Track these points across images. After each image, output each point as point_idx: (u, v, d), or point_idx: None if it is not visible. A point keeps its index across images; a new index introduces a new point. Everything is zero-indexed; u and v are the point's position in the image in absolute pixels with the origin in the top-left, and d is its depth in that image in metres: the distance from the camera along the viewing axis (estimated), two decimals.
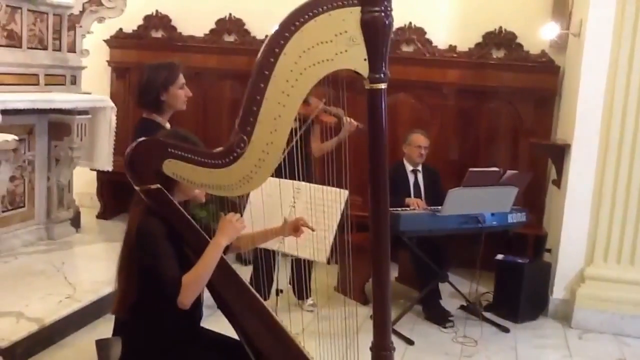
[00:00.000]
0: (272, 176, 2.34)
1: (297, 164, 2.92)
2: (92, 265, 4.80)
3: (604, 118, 4.85)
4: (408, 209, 4.80)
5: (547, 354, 4.53)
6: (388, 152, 2.20)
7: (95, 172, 6.49)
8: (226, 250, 2.55)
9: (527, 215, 4.99)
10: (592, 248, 4.96)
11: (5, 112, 4.23)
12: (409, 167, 5.22)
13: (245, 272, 4.73)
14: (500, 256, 5.19)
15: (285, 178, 3.18)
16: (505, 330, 4.81)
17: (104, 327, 2.87)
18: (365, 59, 2.07)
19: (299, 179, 3.16)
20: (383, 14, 2.04)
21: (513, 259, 5.12)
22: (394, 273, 5.64)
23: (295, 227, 2.87)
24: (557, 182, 5.41)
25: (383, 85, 2.10)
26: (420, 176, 5.24)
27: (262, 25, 6.15)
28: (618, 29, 4.74)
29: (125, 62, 6.85)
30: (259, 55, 2.06)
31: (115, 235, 2.50)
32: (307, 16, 2.02)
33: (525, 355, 4.43)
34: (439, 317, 4.86)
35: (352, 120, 4.59)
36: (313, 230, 2.92)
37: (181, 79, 3.43)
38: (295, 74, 2.06)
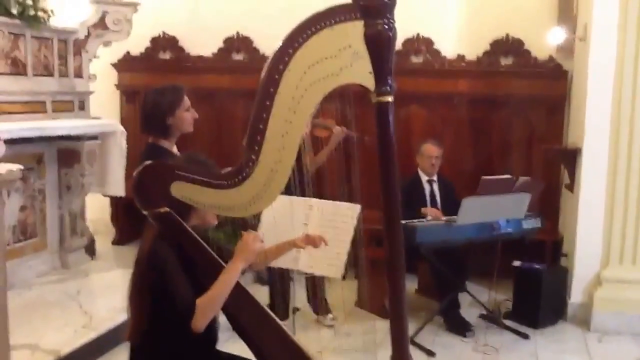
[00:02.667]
0: (282, 194, 2.32)
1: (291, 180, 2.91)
2: (108, 292, 4.77)
3: (613, 121, 4.84)
4: (425, 219, 4.76)
5: (567, 358, 4.49)
6: (398, 164, 2.17)
7: (108, 198, 6.49)
8: None
9: (542, 221, 4.96)
10: (608, 250, 4.94)
11: (13, 141, 4.21)
12: (424, 178, 5.22)
13: (264, 292, 4.73)
14: (517, 263, 5.15)
15: (295, 194, 3.17)
16: (526, 336, 4.78)
17: (122, 355, 2.84)
18: (370, 72, 2.05)
19: (295, 194, 3.14)
20: (386, 26, 2.02)
21: (530, 265, 5.09)
22: (414, 285, 5.62)
23: (309, 240, 2.84)
24: (570, 187, 5.38)
25: (390, 98, 2.07)
26: (435, 186, 5.24)
27: (271, 42, 6.09)
28: (622, 32, 4.74)
29: (134, 85, 6.85)
30: (264, 72, 2.04)
31: (132, 261, 2.48)
32: (310, 32, 2.00)
33: None
34: (459, 327, 4.83)
35: (342, 128, 4.65)
36: (326, 244, 2.89)
37: (186, 101, 3.40)
38: (301, 90, 2.04)
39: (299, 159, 4.63)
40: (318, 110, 4.38)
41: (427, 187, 5.21)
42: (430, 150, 5.17)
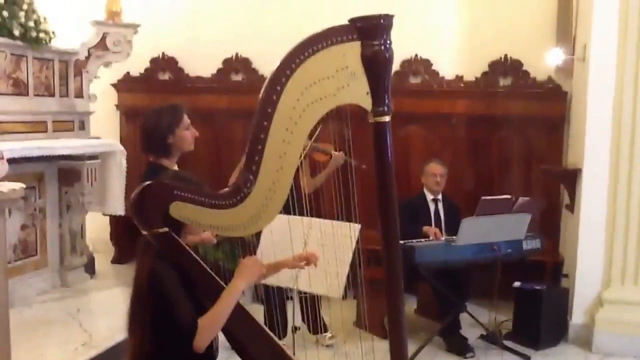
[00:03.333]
0: (281, 213, 2.33)
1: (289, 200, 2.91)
2: (107, 311, 4.76)
3: (613, 141, 4.85)
4: (424, 240, 4.76)
5: None
6: (396, 185, 2.18)
7: (108, 217, 6.50)
8: None
9: (542, 242, 4.96)
10: (609, 271, 4.93)
11: (14, 160, 4.24)
12: (429, 197, 5.25)
13: (261, 311, 4.71)
14: (517, 283, 5.15)
15: (294, 214, 3.18)
16: (526, 357, 4.76)
17: None
18: (367, 93, 2.06)
19: (292, 214, 3.14)
20: (383, 47, 2.03)
21: (531, 286, 5.08)
22: (413, 305, 5.61)
23: (304, 258, 2.85)
24: (571, 207, 5.38)
25: (387, 118, 2.09)
26: (440, 205, 5.26)
27: (270, 63, 6.12)
28: (622, 52, 4.76)
29: (134, 105, 6.88)
30: (262, 93, 2.06)
31: (131, 279, 2.48)
32: (307, 53, 2.01)
33: None
34: (459, 347, 4.82)
35: (341, 154, 4.79)
36: (315, 265, 2.90)
37: (186, 120, 3.41)
38: (299, 110, 2.05)
39: (296, 179, 4.68)
40: (317, 135, 4.45)
41: (432, 206, 5.24)
42: (435, 169, 5.20)
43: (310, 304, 4.67)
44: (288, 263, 2.90)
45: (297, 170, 4.57)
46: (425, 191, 5.26)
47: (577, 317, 5.07)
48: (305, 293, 3.83)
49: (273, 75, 2.04)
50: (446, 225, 5.12)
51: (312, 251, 2.89)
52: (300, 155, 4.58)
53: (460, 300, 4.82)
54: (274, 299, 4.22)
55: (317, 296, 4.47)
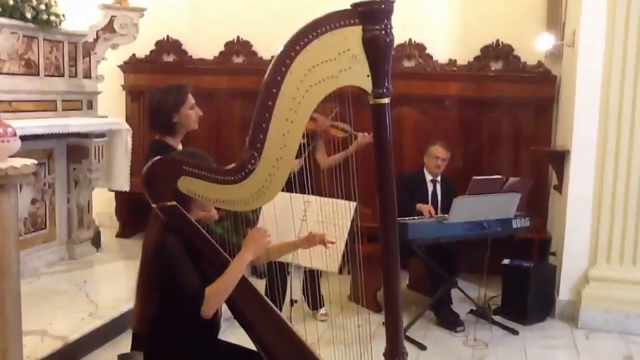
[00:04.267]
0: (282, 190, 2.35)
1: (306, 177, 2.92)
2: (113, 282, 4.80)
3: (601, 123, 4.85)
4: (417, 217, 4.78)
5: (555, 354, 4.50)
6: (394, 164, 2.20)
7: (113, 193, 6.52)
8: None
9: (531, 220, 4.97)
10: (595, 250, 4.95)
11: (25, 137, 4.22)
12: (428, 177, 5.24)
13: (261, 285, 4.74)
14: (506, 260, 5.16)
15: (295, 191, 3.18)
16: (514, 332, 4.79)
17: (126, 343, 2.87)
18: (368, 75, 2.07)
19: (308, 192, 3.15)
20: (383, 32, 2.05)
21: (519, 263, 5.10)
22: (405, 280, 5.64)
23: (310, 240, 2.87)
24: (559, 187, 5.40)
25: (386, 100, 2.11)
26: (438, 187, 5.25)
27: (269, 46, 6.19)
28: (610, 38, 4.75)
29: (139, 85, 6.89)
30: (267, 74, 2.07)
31: (135, 252, 2.50)
32: (311, 36, 2.03)
33: (534, 356, 4.41)
34: (450, 322, 4.85)
35: (366, 134, 4.58)
36: (333, 243, 2.91)
37: (191, 99, 3.40)
38: (302, 91, 2.07)
39: (314, 158, 4.66)
40: (334, 116, 4.41)
41: (430, 186, 5.22)
42: (438, 152, 5.17)
43: (311, 280, 4.70)
44: (291, 246, 2.91)
45: (315, 151, 4.59)
46: (425, 171, 5.24)
47: (564, 293, 5.09)
48: (305, 267, 3.86)
49: (278, 57, 2.05)
50: (442, 206, 5.11)
51: (319, 232, 2.89)
52: (315, 133, 4.62)
53: (451, 276, 4.83)
54: (275, 272, 4.25)
55: (318, 273, 4.50)
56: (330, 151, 4.89)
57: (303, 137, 4.60)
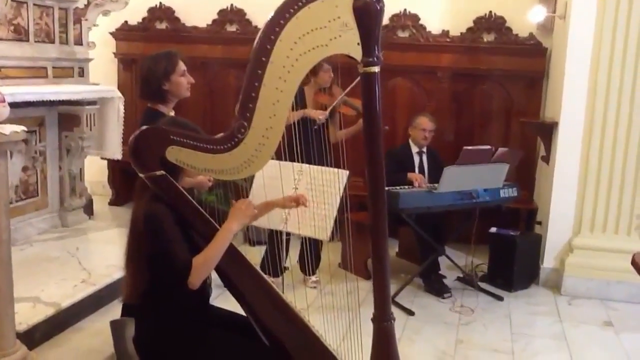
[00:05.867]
0: (294, 161, 2.33)
1: (323, 149, 2.89)
2: (105, 250, 4.77)
3: (589, 96, 4.86)
4: (407, 186, 4.77)
5: (539, 319, 4.56)
6: (383, 134, 2.18)
7: (106, 161, 6.48)
8: None
9: (519, 190, 4.97)
10: (580, 219, 5.00)
11: (16, 104, 4.15)
12: (414, 149, 5.21)
13: (252, 252, 4.74)
14: (493, 229, 5.20)
15: (313, 163, 3.18)
16: (500, 299, 4.84)
17: (119, 309, 2.87)
18: (358, 44, 2.04)
19: (325, 164, 3.13)
20: None
21: (506, 232, 5.14)
22: (394, 249, 5.66)
23: (294, 199, 2.86)
24: (546, 159, 5.41)
25: (376, 69, 2.07)
26: (424, 158, 5.23)
27: (263, 14, 6.06)
28: (601, 11, 4.73)
29: (131, 53, 6.79)
30: (256, 42, 2.03)
31: (127, 220, 2.49)
32: (300, 3, 1.99)
33: (519, 322, 4.45)
34: (437, 288, 4.88)
35: None
36: (306, 206, 2.91)
37: (181, 66, 3.35)
38: (292, 59, 2.04)
39: (323, 129, 4.64)
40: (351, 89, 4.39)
41: (416, 158, 5.20)
42: (425, 124, 5.14)
43: (310, 246, 4.67)
44: (279, 202, 2.91)
45: (328, 124, 4.54)
46: (411, 143, 5.22)
47: (548, 261, 5.15)
48: (295, 234, 3.85)
49: (267, 25, 2.02)
50: (429, 176, 5.10)
51: (301, 193, 2.90)
52: (327, 106, 4.57)
53: (439, 244, 4.85)
54: (273, 240, 4.23)
55: (316, 240, 4.50)
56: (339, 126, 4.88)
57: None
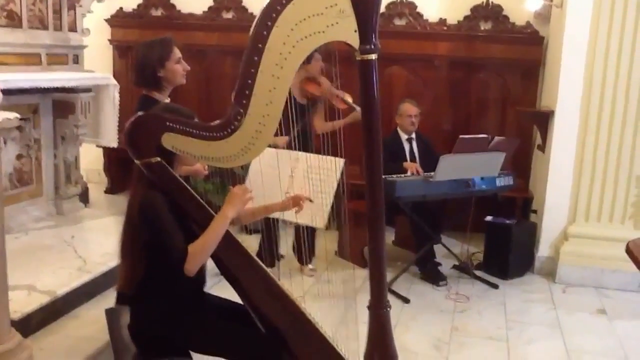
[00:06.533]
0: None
1: (306, 139, 2.87)
2: (101, 238, 4.75)
3: (585, 86, 4.86)
4: (403, 175, 4.76)
5: (533, 307, 4.58)
6: (382, 122, 2.16)
7: (102, 149, 6.45)
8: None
9: (514, 179, 4.99)
10: (575, 208, 5.03)
11: (9, 91, 4.11)
12: (404, 136, 5.20)
13: (249, 241, 4.73)
14: (489, 218, 5.21)
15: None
16: (495, 286, 4.86)
17: (114, 297, 2.87)
18: (355, 31, 2.02)
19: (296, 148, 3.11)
20: None
21: (501, 220, 5.15)
22: (391, 237, 5.66)
23: (295, 201, 2.84)
24: (542, 147, 5.41)
25: (374, 56, 2.05)
26: (414, 144, 5.22)
27: (259, 1, 6.01)
28: (598, 0, 4.72)
29: (127, 40, 6.74)
30: (252, 28, 2.01)
31: (123, 208, 2.47)
32: None
33: (514, 310, 4.47)
34: (433, 276, 4.89)
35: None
36: (311, 201, 2.89)
37: (176, 53, 3.31)
38: (288, 46, 2.02)
39: (310, 121, 4.62)
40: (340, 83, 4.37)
41: (407, 145, 5.20)
42: (410, 110, 5.15)
43: (304, 235, 4.67)
44: (278, 206, 2.88)
45: (312, 114, 4.53)
46: (400, 131, 5.21)
47: (543, 250, 5.17)
48: (291, 223, 3.84)
49: (264, 11, 2.00)
50: (421, 163, 5.10)
51: (299, 193, 2.88)
52: (317, 97, 4.56)
53: (435, 233, 4.86)
54: (268, 228, 4.22)
55: (310, 228, 4.49)
56: (326, 117, 4.87)
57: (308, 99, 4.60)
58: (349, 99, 4.64)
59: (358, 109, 4.56)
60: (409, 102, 5.22)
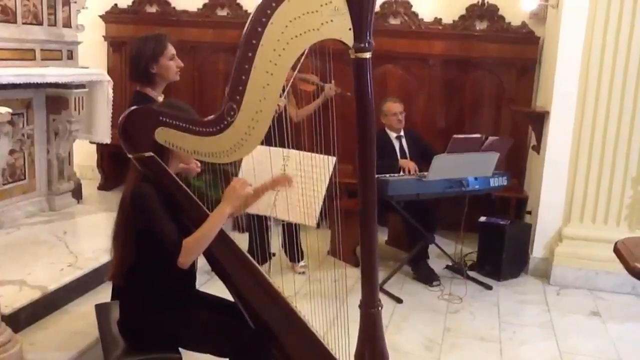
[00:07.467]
0: (262, 144, 2.32)
1: (280, 131, 2.86)
2: (93, 234, 4.75)
3: (581, 86, 4.86)
4: (397, 175, 4.77)
5: (527, 309, 4.58)
6: (375, 121, 2.17)
7: (95, 145, 6.44)
8: None
9: (509, 179, 4.99)
10: (569, 209, 5.02)
11: (2, 86, 4.13)
12: (392, 135, 5.20)
13: (241, 239, 4.73)
14: (483, 218, 5.21)
15: (275, 145, 3.14)
16: (489, 287, 4.86)
17: (105, 293, 2.87)
18: (350, 29, 2.03)
19: (282, 146, 3.12)
20: None
21: (495, 221, 5.15)
22: (384, 236, 5.67)
23: (284, 179, 2.88)
24: (537, 148, 5.43)
25: (368, 54, 2.06)
26: (404, 141, 5.22)
27: None
28: (593, 1, 4.72)
29: (121, 36, 6.74)
30: (247, 25, 2.02)
31: (116, 205, 2.48)
32: None
33: (507, 311, 4.47)
34: (426, 276, 4.90)
35: (333, 86, 4.72)
36: (290, 185, 2.90)
37: (170, 50, 3.30)
38: (282, 43, 2.03)
39: (286, 111, 4.63)
40: (300, 67, 4.37)
41: (396, 143, 5.19)
42: (394, 108, 5.14)
43: (289, 233, 4.69)
44: (267, 186, 2.89)
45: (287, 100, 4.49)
46: (387, 130, 5.19)
47: (538, 251, 5.18)
48: (283, 221, 3.85)
49: (259, 8, 2.01)
50: (412, 158, 5.10)
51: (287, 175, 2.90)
52: (284, 87, 4.57)
53: (428, 232, 4.87)
54: (255, 227, 4.22)
55: (297, 226, 4.49)
56: (300, 104, 4.92)
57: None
58: (315, 79, 4.70)
59: (327, 85, 4.69)
60: (391, 100, 5.22)
